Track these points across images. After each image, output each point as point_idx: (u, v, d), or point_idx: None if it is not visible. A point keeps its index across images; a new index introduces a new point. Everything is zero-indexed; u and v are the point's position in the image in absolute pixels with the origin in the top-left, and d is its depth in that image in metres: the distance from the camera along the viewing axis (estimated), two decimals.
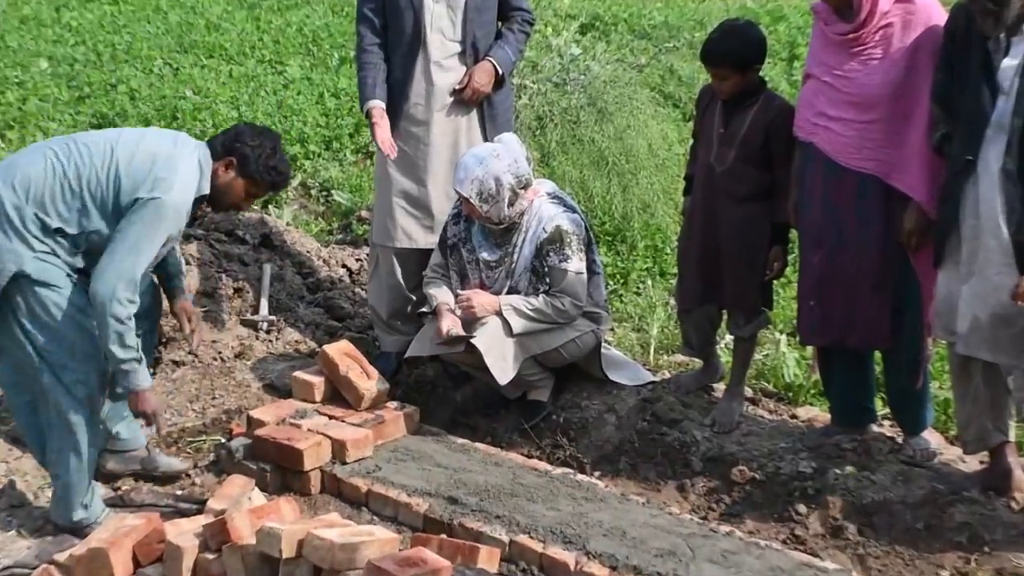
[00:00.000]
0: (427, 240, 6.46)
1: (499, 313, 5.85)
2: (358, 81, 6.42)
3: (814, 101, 5.32)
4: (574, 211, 6.00)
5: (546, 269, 5.88)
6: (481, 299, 5.88)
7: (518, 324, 5.85)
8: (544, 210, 5.92)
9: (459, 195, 5.85)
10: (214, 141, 5.15)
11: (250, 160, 5.08)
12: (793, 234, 5.77)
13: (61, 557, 4.92)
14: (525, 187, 5.87)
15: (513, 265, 5.95)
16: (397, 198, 6.46)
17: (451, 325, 5.86)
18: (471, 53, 6.33)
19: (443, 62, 6.34)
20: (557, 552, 4.85)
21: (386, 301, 6.67)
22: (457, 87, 6.32)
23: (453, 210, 6.17)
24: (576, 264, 5.88)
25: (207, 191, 5.08)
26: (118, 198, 4.90)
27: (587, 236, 6.02)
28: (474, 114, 6.43)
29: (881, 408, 5.97)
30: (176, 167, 4.94)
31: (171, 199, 4.88)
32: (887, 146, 5.17)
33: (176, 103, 9.83)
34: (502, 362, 5.84)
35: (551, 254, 5.86)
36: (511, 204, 5.84)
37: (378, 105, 6.28)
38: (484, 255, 6.01)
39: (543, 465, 5.75)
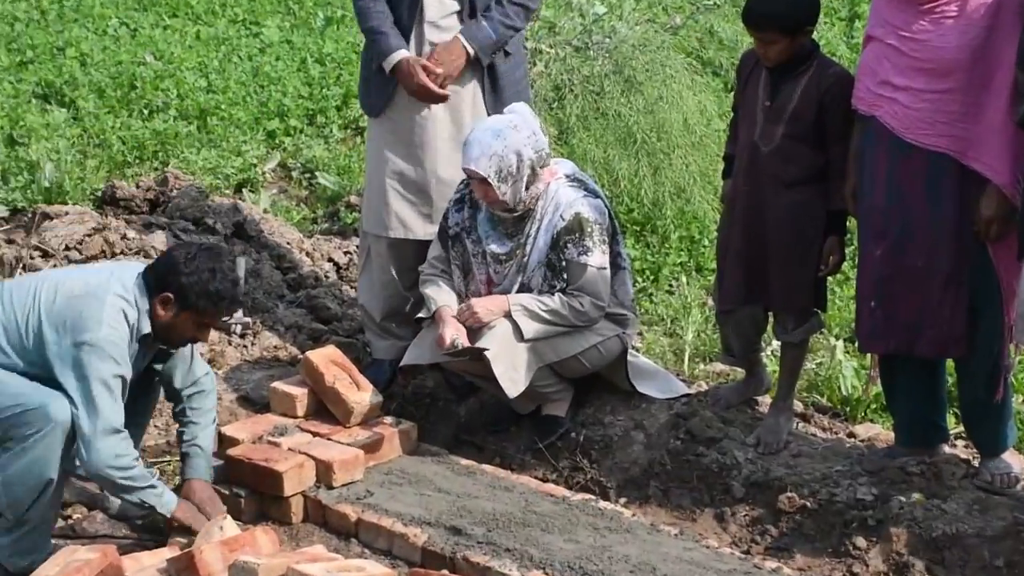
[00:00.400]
0: (425, 230, 6.47)
1: (508, 315, 5.86)
2: (368, 33, 6.41)
3: (877, 68, 5.32)
4: (596, 196, 6.01)
5: (563, 263, 5.89)
6: (484, 303, 5.90)
7: (530, 328, 5.87)
8: (562, 195, 5.94)
9: (470, 176, 5.85)
10: (148, 274, 5.25)
11: (188, 292, 5.15)
12: (852, 223, 5.77)
13: None
14: (544, 164, 5.89)
15: (526, 258, 5.97)
16: (391, 180, 6.48)
17: (454, 334, 5.86)
18: (470, 14, 6.36)
19: (440, 22, 6.36)
20: None
21: (379, 300, 6.68)
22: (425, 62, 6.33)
23: (456, 195, 6.19)
24: (598, 258, 5.89)
25: (147, 331, 5.20)
26: (43, 348, 5.09)
27: (611, 225, 6.03)
28: (476, 85, 6.45)
29: (954, 426, 5.98)
30: (101, 306, 5.08)
31: (103, 337, 5.03)
32: (963, 120, 5.18)
33: (134, 70, 9.84)
34: (512, 372, 5.85)
35: (569, 246, 5.87)
36: (528, 185, 5.85)
37: (407, 55, 6.28)
38: (492, 247, 6.03)
39: (560, 490, 5.78)
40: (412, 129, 6.43)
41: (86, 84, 9.63)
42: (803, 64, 5.61)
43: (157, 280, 5.18)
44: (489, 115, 6.35)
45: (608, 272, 5.93)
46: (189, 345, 5.46)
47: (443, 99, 6.28)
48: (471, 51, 6.32)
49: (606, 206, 6.02)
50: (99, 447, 5.03)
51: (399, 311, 6.67)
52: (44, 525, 5.17)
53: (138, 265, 5.36)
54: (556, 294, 5.90)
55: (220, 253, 5.28)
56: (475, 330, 5.89)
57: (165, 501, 5.26)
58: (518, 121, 5.87)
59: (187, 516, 5.30)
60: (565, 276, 5.90)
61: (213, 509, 5.38)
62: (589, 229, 5.87)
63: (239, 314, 7.06)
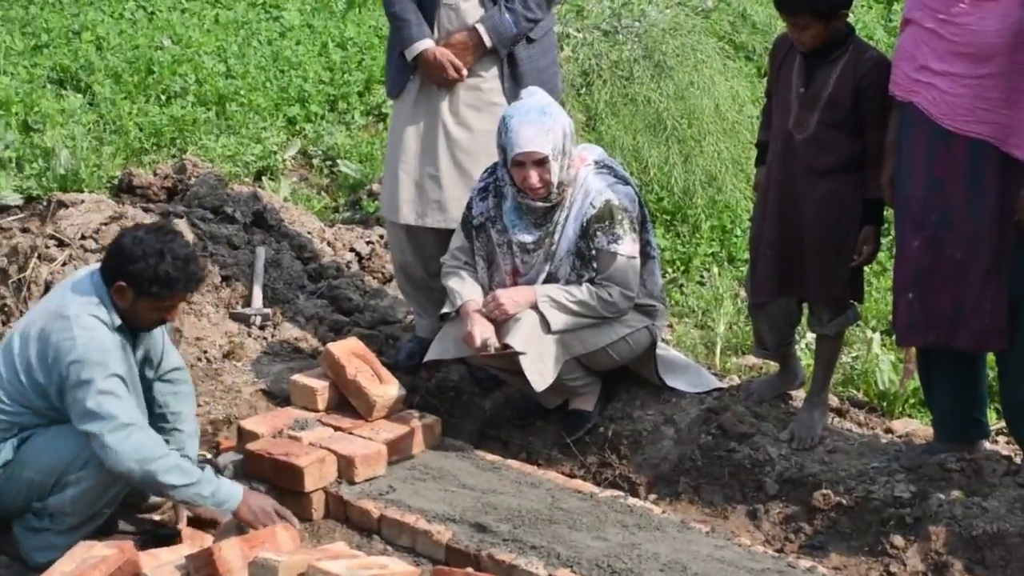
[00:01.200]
0: (435, 219, 6.52)
1: (534, 307, 5.87)
2: (391, 19, 6.44)
3: (915, 52, 5.31)
4: (626, 183, 6.01)
5: (593, 252, 5.89)
6: (511, 294, 5.90)
7: (558, 320, 5.87)
8: (592, 182, 5.94)
9: (522, 161, 5.80)
10: (103, 265, 5.30)
11: (140, 279, 5.18)
12: (889, 213, 5.76)
13: None
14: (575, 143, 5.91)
15: (554, 247, 5.97)
16: (403, 165, 6.51)
17: (485, 333, 5.85)
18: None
19: (460, 5, 6.38)
20: None
21: (404, 282, 6.77)
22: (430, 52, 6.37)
23: (479, 184, 6.19)
24: (628, 246, 5.89)
25: (119, 322, 5.25)
26: (47, 396, 5.19)
27: (641, 214, 6.03)
28: (497, 72, 6.48)
29: (995, 421, 5.97)
30: (69, 324, 5.14)
31: (80, 348, 5.08)
32: (1005, 106, 5.17)
33: (151, 54, 9.87)
34: (540, 365, 5.86)
35: (599, 234, 5.87)
36: (563, 168, 5.86)
37: (431, 45, 6.32)
38: (519, 236, 6.02)
39: (588, 486, 5.79)
40: (430, 114, 6.46)
41: (102, 69, 9.66)
42: (838, 49, 5.59)
43: (110, 271, 5.23)
44: (508, 103, 6.35)
45: (638, 262, 5.94)
46: (160, 330, 5.50)
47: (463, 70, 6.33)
48: (489, 42, 6.34)
49: (636, 194, 6.02)
50: (111, 443, 5.05)
51: (427, 292, 6.68)
52: (109, 511, 5.23)
53: (91, 267, 5.42)
54: (584, 284, 5.90)
55: (167, 232, 5.30)
56: (501, 322, 5.89)
57: (225, 491, 5.25)
58: (545, 100, 5.89)
59: (257, 508, 5.29)
60: (595, 265, 5.89)
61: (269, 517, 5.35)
62: (619, 217, 5.87)
63: (258, 305, 7.09)
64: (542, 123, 5.77)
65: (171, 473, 5.11)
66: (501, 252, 6.08)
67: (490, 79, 6.46)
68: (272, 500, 5.37)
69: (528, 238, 6.00)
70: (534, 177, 5.83)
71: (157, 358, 5.53)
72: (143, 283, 5.15)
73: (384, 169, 6.78)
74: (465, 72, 6.36)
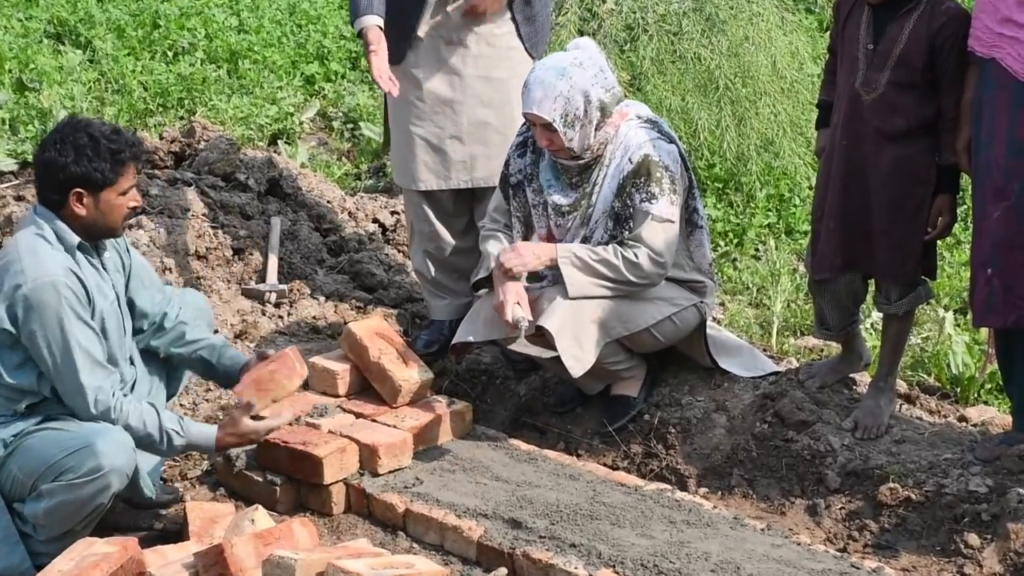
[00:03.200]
0: (459, 178, 6.58)
1: (554, 265, 5.83)
2: None
3: (998, 3, 5.27)
4: (671, 140, 5.97)
5: (629, 211, 5.85)
6: (531, 247, 5.86)
7: (578, 281, 5.78)
8: (632, 136, 5.90)
9: (532, 121, 5.83)
10: (42, 197, 5.29)
11: (89, 173, 5.17)
12: (965, 181, 5.72)
13: None
14: (616, 104, 5.86)
15: (591, 209, 5.94)
16: (416, 128, 6.56)
17: (518, 312, 5.76)
18: None
19: None
20: None
21: (427, 255, 6.72)
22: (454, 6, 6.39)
23: (517, 138, 6.18)
24: (664, 207, 5.82)
25: (75, 240, 5.23)
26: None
27: (687, 177, 6.00)
28: (509, 18, 6.51)
29: None
30: (14, 249, 5.17)
31: (33, 279, 5.08)
32: None
33: (157, 7, 9.91)
34: (576, 348, 5.84)
35: (635, 192, 5.83)
36: (597, 129, 5.83)
37: (373, 24, 6.33)
38: (555, 198, 6.00)
39: (632, 479, 5.78)
40: (442, 72, 6.50)
41: (103, 22, 9.70)
42: (910, 1, 5.55)
43: (53, 190, 5.22)
44: (525, 46, 6.46)
45: (674, 227, 5.87)
46: (144, 267, 5.57)
47: (393, 88, 6.31)
48: None
49: (681, 154, 5.97)
50: (95, 411, 5.13)
51: (452, 265, 6.70)
52: (85, 532, 5.23)
53: (26, 216, 5.40)
54: (611, 244, 5.86)
55: (76, 122, 5.29)
56: (534, 302, 5.86)
57: (202, 435, 5.35)
58: (583, 58, 5.84)
59: (240, 433, 5.40)
60: (630, 225, 5.86)
61: (288, 376, 5.53)
62: (658, 174, 5.82)
63: (273, 281, 7.10)
64: (554, 86, 5.74)
65: (148, 422, 5.22)
66: (536, 214, 6.06)
67: (502, 23, 6.49)
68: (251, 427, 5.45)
69: (563, 200, 5.97)
70: (542, 139, 5.85)
71: (152, 292, 5.59)
72: (94, 175, 5.16)
73: (392, 132, 6.80)
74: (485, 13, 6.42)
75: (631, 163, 5.84)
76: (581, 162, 5.90)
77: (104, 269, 5.35)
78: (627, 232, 5.84)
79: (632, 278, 5.84)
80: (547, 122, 5.76)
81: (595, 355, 5.89)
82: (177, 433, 5.26)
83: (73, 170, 5.14)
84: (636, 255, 5.81)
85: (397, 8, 6.38)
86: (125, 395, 5.27)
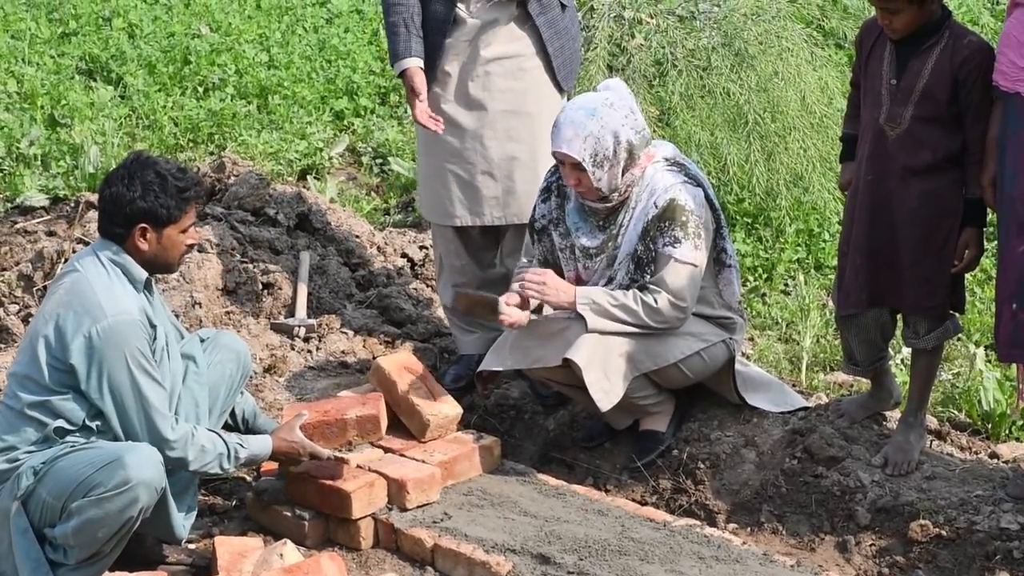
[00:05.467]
0: (493, 214, 6.62)
1: (572, 308, 5.86)
2: (386, 30, 6.56)
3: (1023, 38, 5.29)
4: (698, 184, 6.00)
5: (652, 255, 5.88)
6: (558, 282, 5.91)
7: (597, 326, 5.85)
8: (659, 180, 5.93)
9: (561, 160, 5.87)
10: (105, 230, 5.38)
11: (155, 209, 5.28)
12: (992, 216, 5.73)
13: None
14: (644, 147, 5.90)
15: (616, 251, 5.97)
16: (450, 164, 6.60)
17: (513, 314, 5.87)
18: None
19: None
20: None
21: (453, 291, 6.75)
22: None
23: (543, 184, 6.22)
24: (687, 252, 5.85)
25: (144, 275, 5.34)
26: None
27: (715, 218, 6.01)
28: (531, 45, 6.56)
29: None
30: (86, 284, 5.23)
31: (113, 318, 5.16)
32: None
33: (188, 43, 9.97)
34: (604, 382, 5.86)
35: (658, 236, 5.86)
36: (625, 171, 5.86)
37: (415, 66, 6.43)
38: (582, 241, 6.04)
39: (661, 515, 5.79)
40: (466, 105, 6.55)
41: (135, 59, 9.76)
42: (933, 35, 5.57)
43: (117, 224, 5.31)
44: (555, 80, 6.55)
45: (698, 270, 5.89)
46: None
47: (439, 127, 6.44)
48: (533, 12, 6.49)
49: (708, 195, 5.99)
50: (164, 452, 5.20)
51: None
52: (115, 553, 5.27)
53: (88, 247, 5.50)
54: (632, 289, 5.89)
55: (143, 158, 5.39)
56: (560, 334, 5.89)
57: (259, 446, 5.48)
58: (614, 99, 5.88)
59: (290, 446, 5.53)
60: (651, 269, 5.89)
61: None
62: (684, 219, 5.85)
63: (302, 315, 7.13)
64: (584, 126, 5.79)
65: (208, 451, 5.30)
66: (564, 257, 6.10)
67: (530, 57, 6.58)
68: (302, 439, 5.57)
69: (591, 243, 6.01)
70: (571, 179, 5.89)
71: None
72: (160, 211, 5.26)
73: (420, 170, 6.86)
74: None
75: (656, 207, 5.87)
76: (608, 204, 5.94)
77: (153, 307, 5.43)
78: (648, 276, 5.88)
79: (651, 323, 5.88)
80: (576, 161, 5.80)
81: (623, 389, 5.91)
82: (240, 446, 5.37)
83: (140, 205, 5.25)
84: (656, 300, 5.85)
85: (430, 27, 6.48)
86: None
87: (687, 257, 5.85)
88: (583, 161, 5.79)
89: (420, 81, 6.42)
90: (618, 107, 5.86)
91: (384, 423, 5.86)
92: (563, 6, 6.59)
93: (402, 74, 6.49)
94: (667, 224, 5.85)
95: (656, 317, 5.88)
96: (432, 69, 6.51)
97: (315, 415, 5.71)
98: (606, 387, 5.87)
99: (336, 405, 5.88)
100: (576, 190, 5.95)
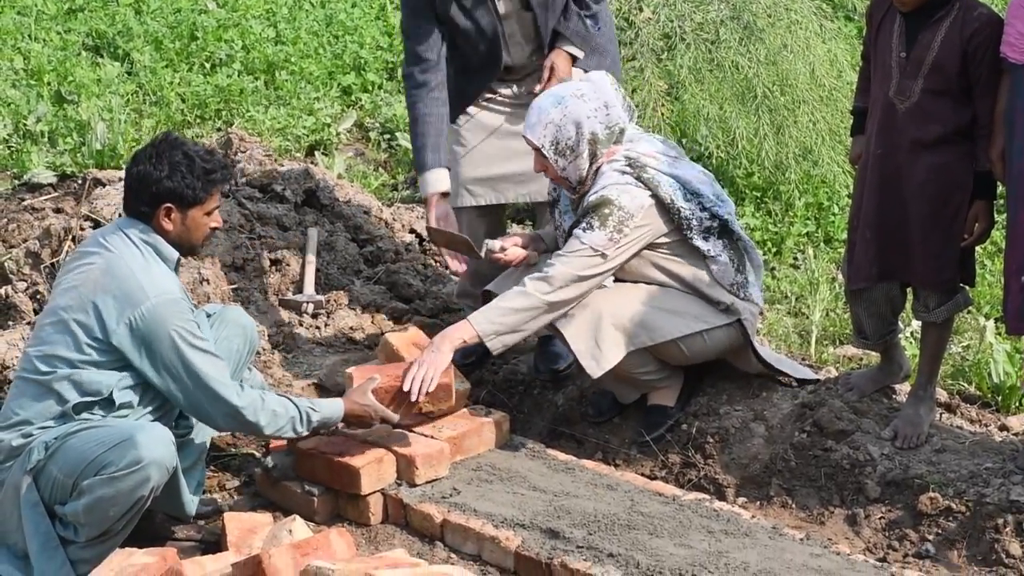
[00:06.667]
0: (515, 192, 6.62)
1: (476, 341, 5.82)
2: (411, 136, 6.51)
3: None
4: (651, 189, 5.88)
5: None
6: (430, 351, 5.79)
7: (503, 331, 5.81)
8: (605, 178, 5.87)
9: (529, 144, 5.87)
10: (131, 208, 5.40)
11: (181, 190, 5.30)
12: (1002, 189, 5.72)
13: None
14: (612, 143, 5.87)
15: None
16: (459, 148, 6.57)
17: (509, 253, 6.05)
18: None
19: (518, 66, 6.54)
20: None
21: (470, 270, 6.75)
22: (538, 88, 6.39)
23: None
24: (597, 238, 5.77)
25: (176, 255, 5.38)
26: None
27: (681, 220, 5.90)
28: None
29: None
30: (128, 269, 5.25)
31: (155, 299, 5.20)
32: None
33: (195, 19, 9.96)
34: (595, 348, 5.86)
35: (578, 223, 5.85)
36: (591, 163, 5.85)
37: (439, 192, 6.38)
38: (566, 224, 6.06)
39: (670, 489, 5.80)
40: (485, 131, 6.58)
41: (141, 35, 9.76)
42: (943, 7, 5.55)
43: (143, 202, 5.33)
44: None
45: (598, 260, 5.77)
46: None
47: (460, 267, 6.42)
48: (581, 54, 6.44)
49: (665, 202, 5.86)
50: (231, 421, 5.32)
51: (489, 276, 6.69)
52: (125, 532, 5.28)
53: (112, 224, 5.52)
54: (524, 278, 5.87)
55: (172, 139, 5.40)
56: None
57: (331, 409, 5.52)
58: (587, 90, 5.86)
59: (363, 409, 5.58)
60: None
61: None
62: (607, 211, 5.78)
63: (310, 291, 7.13)
64: (547, 112, 5.81)
65: (280, 414, 5.37)
66: (558, 235, 6.16)
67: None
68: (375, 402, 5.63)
69: (569, 226, 6.02)
70: (536, 164, 5.95)
71: None
72: (186, 192, 5.29)
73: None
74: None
75: (588, 203, 5.86)
76: (574, 196, 5.97)
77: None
78: None
79: (544, 298, 5.78)
80: (535, 146, 5.83)
81: (617, 358, 5.88)
82: (312, 409, 5.43)
83: (166, 184, 5.27)
84: (547, 270, 5.80)
85: (454, 90, 6.48)
86: None
87: (592, 241, 5.77)
88: (542, 148, 5.82)
89: (440, 212, 6.36)
90: (589, 99, 5.84)
91: (455, 393, 5.86)
92: (596, 22, 6.52)
93: (424, 200, 6.47)
94: (591, 214, 5.81)
95: (543, 288, 5.77)
96: (455, 108, 6.53)
97: (387, 380, 5.70)
98: (596, 354, 5.85)
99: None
100: (546, 176, 5.97)
